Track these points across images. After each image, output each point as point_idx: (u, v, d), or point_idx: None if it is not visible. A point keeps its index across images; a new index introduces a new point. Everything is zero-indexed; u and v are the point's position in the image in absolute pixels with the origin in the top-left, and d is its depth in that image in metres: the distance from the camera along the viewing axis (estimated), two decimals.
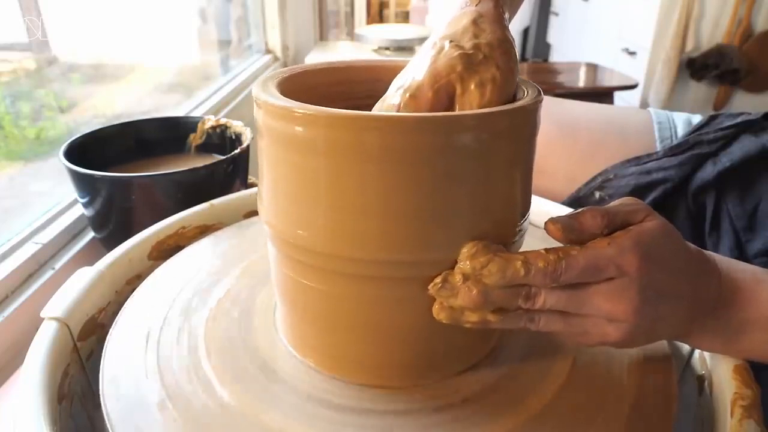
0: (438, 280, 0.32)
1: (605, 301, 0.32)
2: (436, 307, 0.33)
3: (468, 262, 0.31)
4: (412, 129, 0.30)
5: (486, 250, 0.31)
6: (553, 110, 0.72)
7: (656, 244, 0.32)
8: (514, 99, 0.35)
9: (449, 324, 0.33)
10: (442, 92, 0.34)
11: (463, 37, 0.35)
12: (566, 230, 0.32)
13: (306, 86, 0.39)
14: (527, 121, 0.33)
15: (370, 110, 0.37)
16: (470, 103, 0.33)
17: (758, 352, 0.36)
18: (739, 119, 0.63)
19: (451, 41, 0.34)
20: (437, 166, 0.30)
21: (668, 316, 0.33)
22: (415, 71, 0.35)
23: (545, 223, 0.33)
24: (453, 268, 0.32)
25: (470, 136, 0.31)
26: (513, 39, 0.36)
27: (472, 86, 0.33)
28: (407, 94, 0.34)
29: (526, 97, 0.34)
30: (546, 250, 0.31)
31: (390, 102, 0.35)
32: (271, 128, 0.33)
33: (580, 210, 0.33)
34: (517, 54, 0.36)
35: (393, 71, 0.39)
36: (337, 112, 0.30)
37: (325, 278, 0.34)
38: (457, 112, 0.33)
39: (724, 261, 0.37)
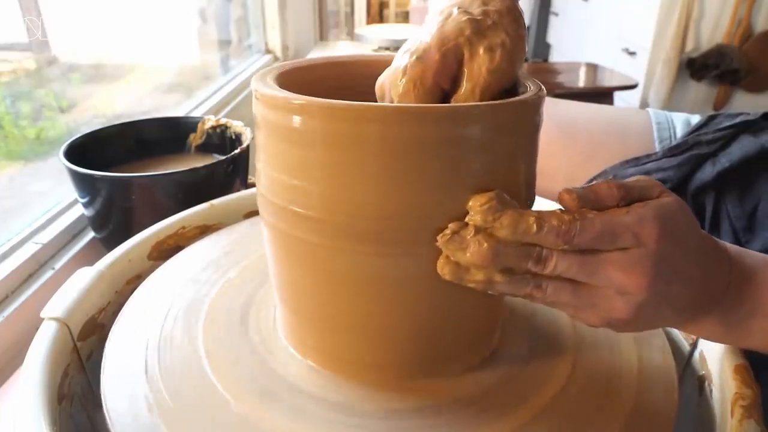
0: (447, 231, 0.31)
1: (618, 270, 0.30)
2: (441, 262, 0.31)
3: (480, 215, 0.30)
4: (413, 120, 0.29)
5: (500, 203, 0.30)
6: (552, 111, 0.72)
7: (675, 219, 0.31)
8: (516, 94, 0.35)
9: (452, 286, 0.32)
10: (449, 55, 0.33)
11: (471, 4, 0.34)
12: (581, 200, 0.31)
13: (306, 81, 0.39)
14: (530, 115, 0.33)
15: None
16: (479, 67, 0.33)
17: (762, 342, 0.35)
18: (737, 119, 0.63)
19: (459, 8, 0.34)
20: (439, 158, 0.30)
21: (677, 297, 0.32)
22: (422, 36, 0.34)
23: (560, 193, 0.32)
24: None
25: (473, 129, 0.30)
26: (521, 10, 0.35)
27: (481, 51, 0.33)
28: (414, 57, 0.34)
29: (529, 92, 0.34)
30: (561, 210, 0.31)
31: (396, 64, 0.35)
32: (268, 120, 0.33)
33: (595, 182, 0.32)
34: None
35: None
36: (335, 102, 0.30)
37: (323, 251, 0.34)
38: (459, 104, 0.33)
39: (734, 249, 0.36)
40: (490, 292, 0.32)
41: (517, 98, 0.32)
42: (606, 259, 0.30)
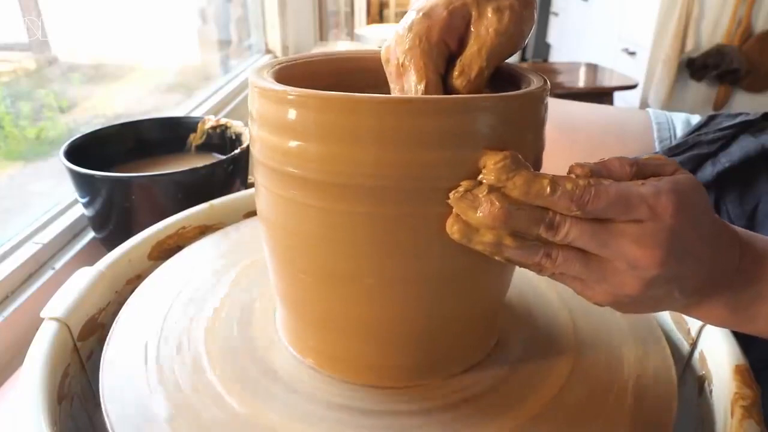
0: (461, 188, 0.30)
1: (632, 243, 0.29)
2: (450, 220, 0.30)
3: (493, 173, 0.29)
4: (412, 112, 0.29)
5: (514, 163, 0.29)
6: (552, 111, 0.72)
7: (690, 196, 0.30)
8: (519, 88, 0.34)
9: (459, 244, 0.31)
10: (457, 14, 0.33)
11: None
12: (594, 174, 0.30)
13: (303, 76, 0.38)
14: (536, 108, 0.33)
15: None
16: (486, 28, 0.33)
17: (766, 327, 0.34)
18: (738, 119, 0.63)
19: None
20: (442, 152, 0.30)
21: (687, 277, 0.31)
22: None
23: (571, 166, 0.31)
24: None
25: (476, 122, 0.30)
26: None
27: (489, 11, 0.33)
28: (421, 13, 0.33)
29: (534, 85, 0.33)
30: (576, 175, 0.30)
31: (403, 23, 0.34)
32: (263, 114, 0.32)
33: (607, 158, 0.32)
34: (517, 54, 0.35)
35: None
36: (330, 94, 0.29)
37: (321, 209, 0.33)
38: (460, 96, 0.32)
39: (744, 233, 0.35)
40: (497, 258, 0.31)
41: (522, 90, 0.32)
42: (619, 231, 0.29)
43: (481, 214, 0.29)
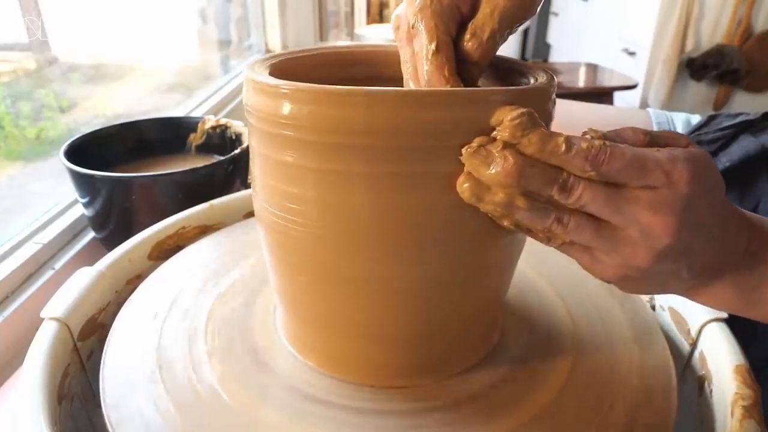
0: (474, 143, 0.29)
1: (645, 209, 0.28)
2: (461, 179, 0.30)
3: (508, 130, 0.28)
4: (406, 105, 0.28)
5: (530, 121, 0.29)
6: None
7: (704, 168, 0.29)
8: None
9: (468, 207, 0.30)
10: None
11: None
12: (608, 139, 0.29)
13: (301, 71, 0.38)
14: (545, 104, 0.33)
15: None
16: None
17: None
18: (738, 119, 0.63)
19: None
20: (442, 148, 0.29)
21: (696, 253, 0.30)
22: None
23: (584, 131, 0.30)
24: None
25: (482, 114, 0.29)
26: None
27: None
28: None
29: (541, 80, 0.33)
30: (592, 137, 0.29)
31: None
32: (257, 110, 0.32)
33: (620, 128, 0.31)
34: (517, 54, 0.35)
35: (392, 57, 0.37)
36: (322, 87, 0.29)
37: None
38: (453, 89, 0.32)
39: (753, 216, 0.34)
40: (506, 223, 0.30)
41: (532, 84, 0.32)
42: (633, 196, 0.29)
43: (494, 171, 0.28)
